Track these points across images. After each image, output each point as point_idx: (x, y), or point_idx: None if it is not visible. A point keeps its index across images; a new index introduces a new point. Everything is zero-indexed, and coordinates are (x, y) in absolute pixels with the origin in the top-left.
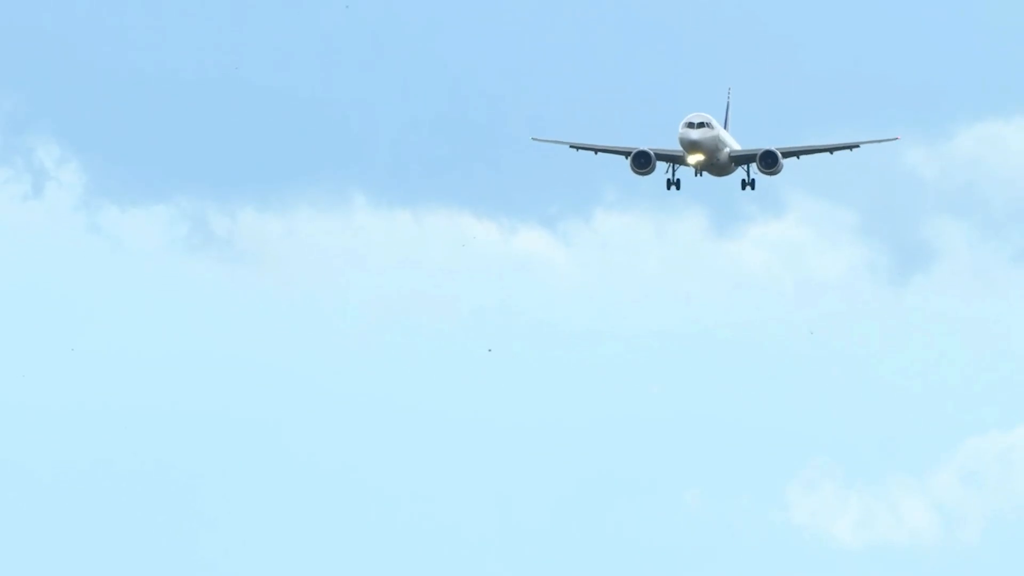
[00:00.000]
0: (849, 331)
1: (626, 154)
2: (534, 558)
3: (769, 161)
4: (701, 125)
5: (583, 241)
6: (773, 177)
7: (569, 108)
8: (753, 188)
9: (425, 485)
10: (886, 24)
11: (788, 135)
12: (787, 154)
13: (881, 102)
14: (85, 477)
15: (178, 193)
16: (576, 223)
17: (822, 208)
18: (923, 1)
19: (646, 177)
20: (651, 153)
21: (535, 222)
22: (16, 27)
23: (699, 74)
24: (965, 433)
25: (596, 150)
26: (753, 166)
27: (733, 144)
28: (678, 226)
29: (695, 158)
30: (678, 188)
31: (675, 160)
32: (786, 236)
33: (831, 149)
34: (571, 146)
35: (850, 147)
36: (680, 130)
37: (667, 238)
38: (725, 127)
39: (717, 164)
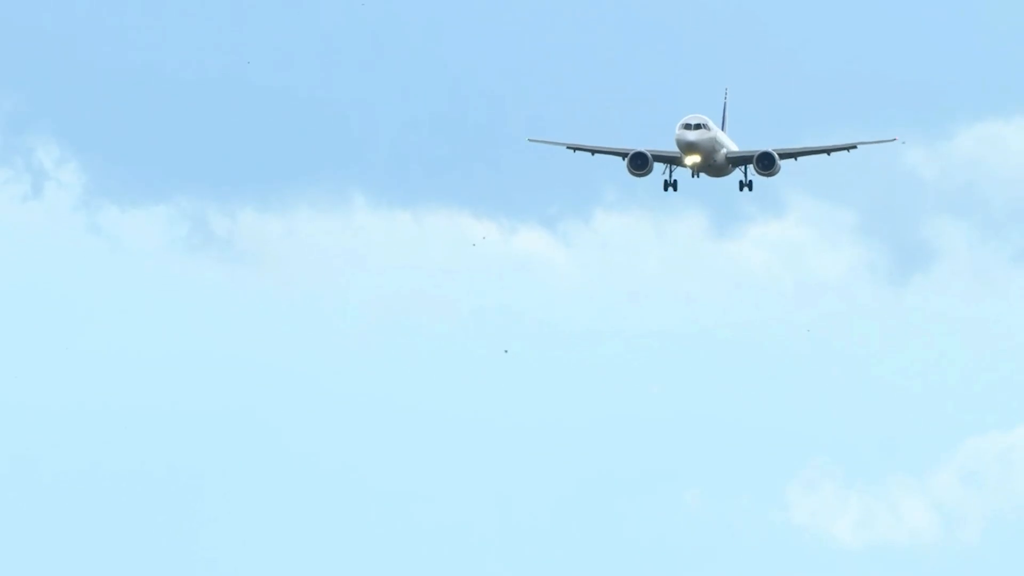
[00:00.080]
0: (849, 331)
1: (623, 155)
2: (534, 558)
3: (766, 162)
4: (698, 127)
5: (582, 241)
6: (771, 178)
7: (567, 109)
8: (751, 189)
9: (425, 485)
10: (885, 24)
11: (786, 136)
12: (784, 155)
13: (880, 102)
14: (85, 477)
15: (178, 193)
16: (575, 223)
17: (821, 209)
18: (922, 1)
19: (643, 178)
20: (648, 154)
21: (534, 222)
22: (16, 27)
23: (696, 75)
24: (965, 433)
25: (593, 151)
26: (750, 167)
27: (730, 145)
28: (676, 227)
29: (692, 159)
30: (675, 189)
31: (672, 161)
32: (785, 237)
33: (829, 150)
34: (568, 147)
35: (848, 148)
36: (677, 131)
37: (666, 239)
38: (722, 128)
39: (714, 165)
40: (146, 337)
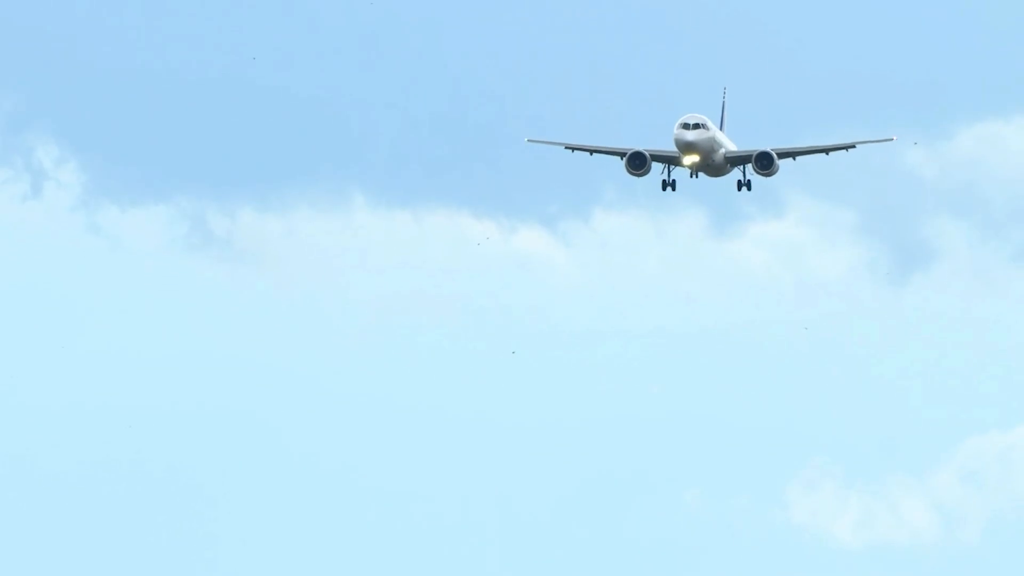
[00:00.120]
0: (849, 331)
1: (621, 155)
2: (534, 558)
3: (765, 162)
4: (696, 126)
5: (581, 241)
6: (769, 178)
7: (566, 108)
8: (749, 189)
9: (425, 485)
10: (884, 23)
11: (785, 135)
12: (783, 155)
13: (879, 102)
14: (85, 477)
15: (177, 193)
16: (574, 223)
17: (820, 209)
18: (922, 1)
19: (642, 178)
20: (646, 154)
21: (533, 222)
22: (16, 27)
23: (695, 74)
24: (965, 433)
25: (591, 151)
26: (749, 167)
27: (729, 145)
28: (675, 227)
29: (690, 159)
30: (673, 189)
31: (671, 161)
32: (784, 236)
33: (827, 150)
34: (566, 147)
35: (846, 148)
36: (675, 131)
37: (664, 239)
38: (721, 128)
39: (713, 165)
40: (146, 337)
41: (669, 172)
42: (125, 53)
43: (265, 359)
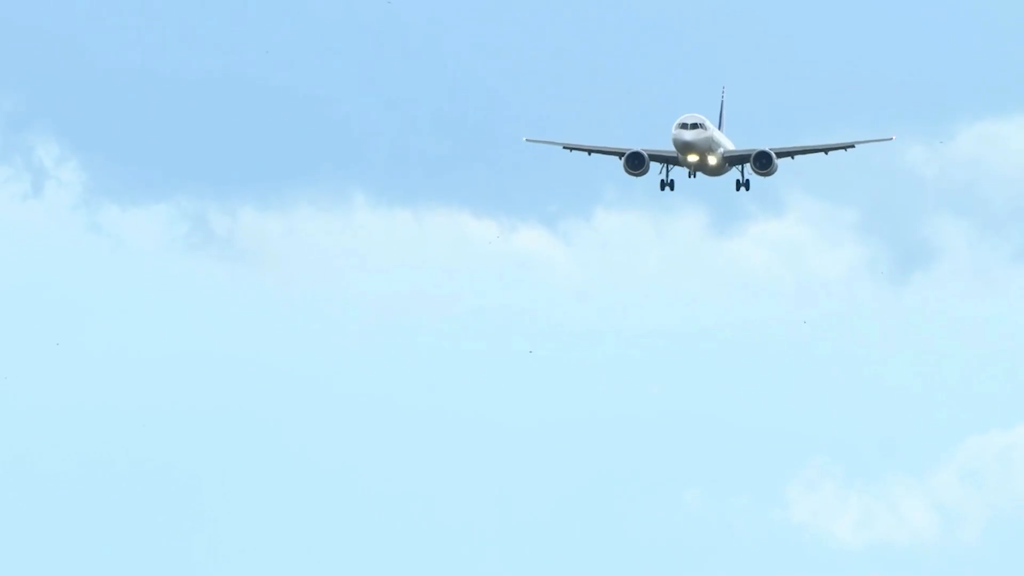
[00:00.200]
0: (849, 331)
1: (620, 155)
2: (534, 558)
3: (763, 162)
4: (695, 126)
5: (580, 241)
6: (768, 178)
7: (566, 108)
8: (748, 189)
9: (425, 485)
10: (883, 23)
11: (784, 135)
12: (781, 154)
13: (879, 101)
14: (85, 476)
15: (178, 192)
16: (573, 223)
17: (819, 208)
18: (922, 0)
19: (640, 178)
20: (645, 154)
21: (533, 221)
22: (16, 26)
23: (693, 74)
24: (965, 432)
25: (590, 151)
26: (747, 167)
27: (727, 144)
28: (673, 227)
29: (689, 159)
30: (672, 189)
31: (669, 161)
32: (784, 236)
33: (826, 149)
34: (564, 147)
35: (845, 147)
36: (673, 131)
37: (663, 239)
38: (719, 127)
39: (711, 165)
40: (146, 336)
41: (667, 172)
42: (125, 53)
43: (265, 358)
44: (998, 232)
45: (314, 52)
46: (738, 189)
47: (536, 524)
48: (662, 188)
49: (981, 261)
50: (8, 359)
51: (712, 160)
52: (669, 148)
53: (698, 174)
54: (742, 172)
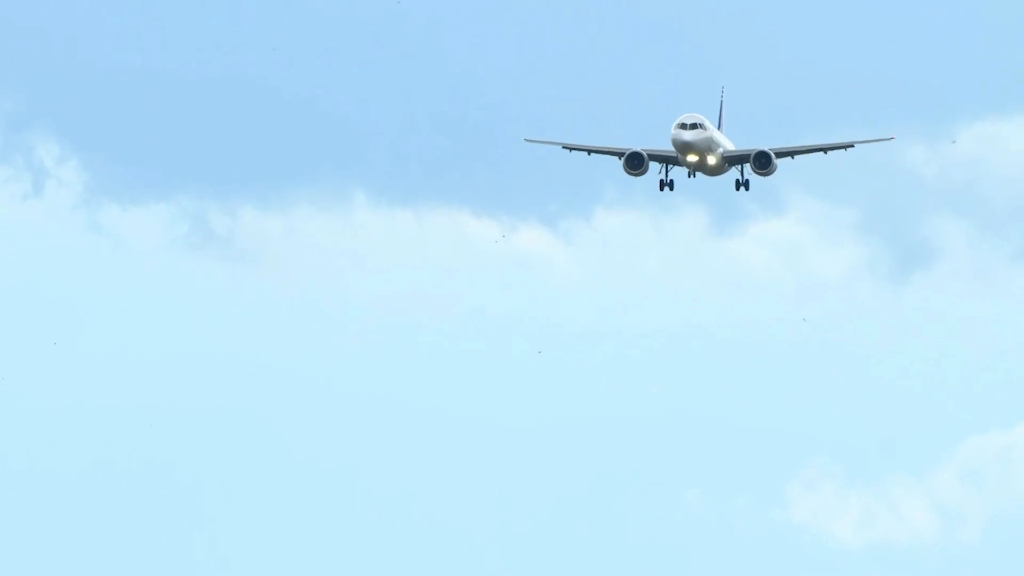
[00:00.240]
0: (849, 330)
1: (619, 155)
2: (534, 558)
3: (763, 161)
4: (694, 126)
5: (580, 240)
6: (767, 178)
7: (565, 108)
8: (747, 188)
9: (424, 485)
10: (883, 22)
11: (783, 135)
12: (781, 154)
13: (879, 101)
14: (84, 476)
15: (178, 192)
16: (572, 223)
17: (818, 208)
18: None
19: (639, 178)
20: (644, 154)
21: (533, 221)
22: (16, 25)
23: (692, 74)
24: (965, 432)
25: (589, 151)
26: (747, 166)
27: (726, 144)
28: (673, 226)
29: (688, 159)
30: (671, 189)
31: (668, 161)
32: (784, 236)
33: (825, 149)
34: (564, 147)
35: (844, 147)
36: (672, 131)
37: (662, 238)
38: (719, 127)
39: (710, 165)
40: (147, 335)
41: (667, 172)
42: (125, 52)
43: (266, 358)
44: (998, 232)
45: (314, 52)
46: (737, 189)
47: (536, 524)
48: (661, 188)
49: (981, 261)
50: (8, 359)
51: (711, 160)
52: (668, 148)
53: (697, 174)
54: (741, 172)
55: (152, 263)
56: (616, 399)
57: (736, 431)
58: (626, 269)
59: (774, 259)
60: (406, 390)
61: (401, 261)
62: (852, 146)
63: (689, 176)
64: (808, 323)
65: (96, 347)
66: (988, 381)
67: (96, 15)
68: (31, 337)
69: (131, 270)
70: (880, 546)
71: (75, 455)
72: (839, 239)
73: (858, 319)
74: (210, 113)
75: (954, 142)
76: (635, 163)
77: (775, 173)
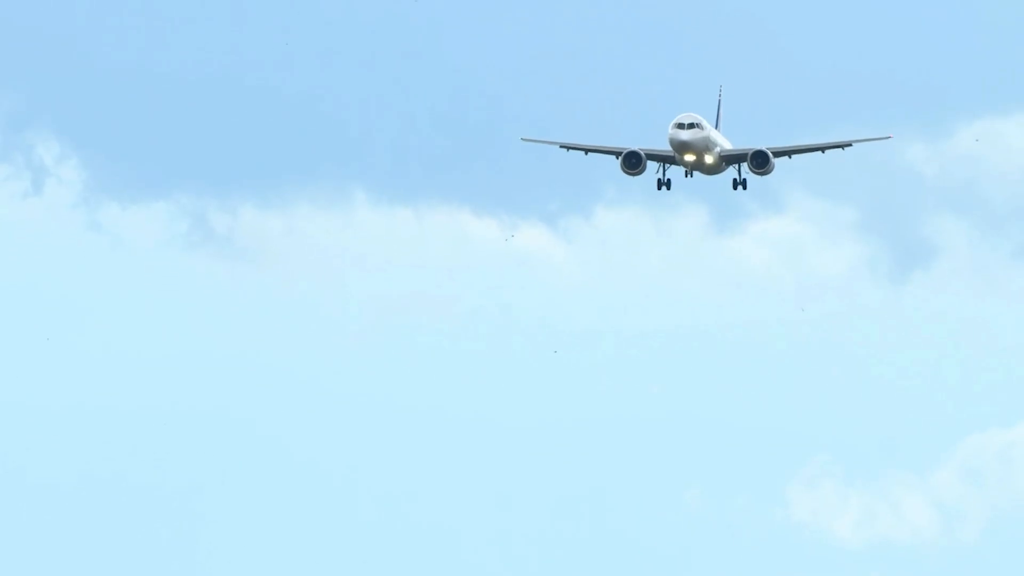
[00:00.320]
0: (848, 330)
1: (616, 154)
2: (534, 558)
3: (760, 161)
4: (691, 126)
5: (579, 240)
6: (765, 177)
7: (564, 107)
8: (745, 188)
9: (424, 485)
10: (881, 21)
11: (781, 134)
12: (778, 153)
13: (878, 100)
14: (84, 476)
15: (178, 190)
16: (571, 222)
17: (816, 207)
18: None
19: (637, 177)
20: (641, 153)
21: (534, 220)
22: (16, 25)
23: (690, 73)
24: (965, 431)
25: (586, 150)
26: (744, 166)
27: (724, 143)
28: (670, 226)
29: (686, 158)
30: (668, 188)
31: (666, 160)
32: (782, 235)
33: (823, 148)
34: (561, 146)
35: (842, 146)
36: (670, 131)
37: (661, 238)
38: (716, 126)
39: (708, 164)
40: (146, 334)
41: (664, 171)
42: (125, 51)
43: (265, 357)
44: (998, 231)
45: (314, 52)
46: (735, 188)
47: (536, 524)
48: (659, 187)
49: (981, 260)
50: (8, 358)
51: (709, 159)
52: (666, 147)
53: (695, 173)
54: (739, 171)
55: (152, 262)
56: (616, 398)
57: (736, 431)
58: (624, 269)
59: (772, 258)
60: (405, 389)
61: (400, 260)
62: (850, 145)
63: (686, 176)
64: (808, 322)
65: (95, 346)
66: (988, 380)
67: (96, 15)
68: (31, 336)
69: (131, 269)
70: (880, 545)
71: (75, 454)
72: (838, 238)
73: (858, 318)
74: (210, 112)
75: (977, 140)
76: (632, 162)
77: (772, 172)
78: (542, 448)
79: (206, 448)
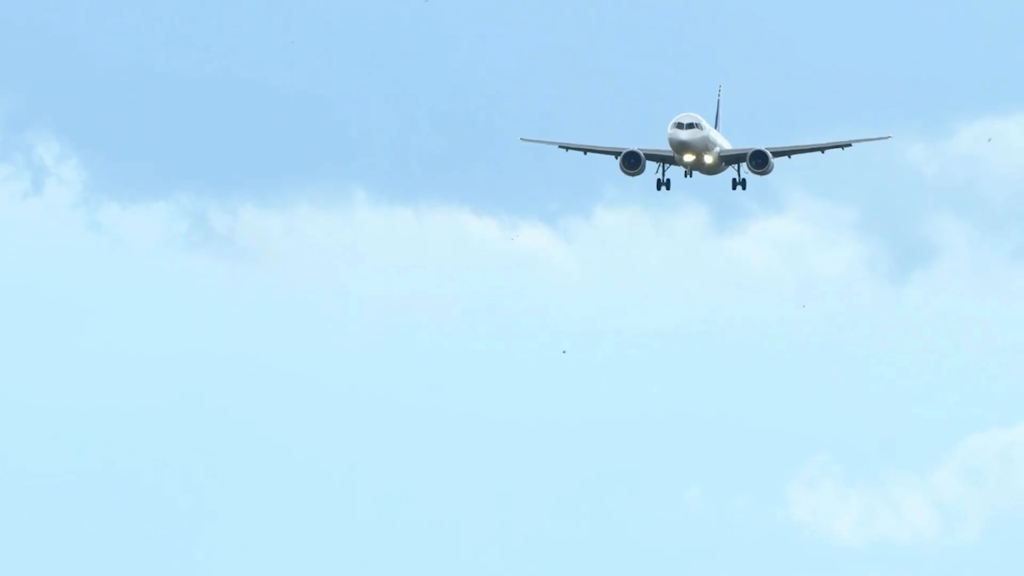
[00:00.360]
0: (849, 330)
1: (616, 154)
2: (534, 558)
3: (759, 161)
4: (691, 126)
5: (578, 240)
6: (764, 177)
7: (563, 107)
8: (744, 188)
9: (424, 484)
10: (881, 21)
11: (781, 134)
12: (778, 153)
13: (878, 100)
14: (84, 476)
15: (178, 190)
16: (571, 222)
17: (816, 207)
18: None
19: (636, 177)
20: (641, 153)
21: (534, 220)
22: (16, 24)
23: (689, 73)
24: (966, 431)
25: (585, 150)
26: (743, 166)
27: (723, 143)
28: (670, 226)
29: (685, 158)
30: (668, 188)
31: (665, 160)
32: (781, 235)
33: (822, 148)
34: (560, 146)
35: (842, 146)
36: (669, 131)
37: (661, 238)
38: (716, 126)
39: (707, 164)
40: (146, 334)
41: (663, 171)
42: (125, 50)
43: (265, 357)
44: (998, 231)
45: (314, 52)
46: (734, 188)
47: (536, 524)
48: (658, 187)
49: (981, 260)
50: (8, 357)
51: (708, 159)
52: (665, 147)
53: (694, 173)
54: (738, 171)
55: (152, 261)
56: (615, 398)
57: (736, 430)
58: (624, 268)
59: (772, 258)
60: (405, 389)
61: (400, 260)
62: (850, 145)
63: (686, 175)
64: (808, 321)
65: (96, 345)
66: (988, 380)
67: (96, 15)
68: (31, 336)
69: (131, 268)
70: (880, 544)
71: (75, 454)
72: (838, 238)
73: (858, 318)
74: (209, 112)
75: (990, 140)
76: (632, 162)
77: (772, 172)
78: (542, 448)
79: (207, 448)
